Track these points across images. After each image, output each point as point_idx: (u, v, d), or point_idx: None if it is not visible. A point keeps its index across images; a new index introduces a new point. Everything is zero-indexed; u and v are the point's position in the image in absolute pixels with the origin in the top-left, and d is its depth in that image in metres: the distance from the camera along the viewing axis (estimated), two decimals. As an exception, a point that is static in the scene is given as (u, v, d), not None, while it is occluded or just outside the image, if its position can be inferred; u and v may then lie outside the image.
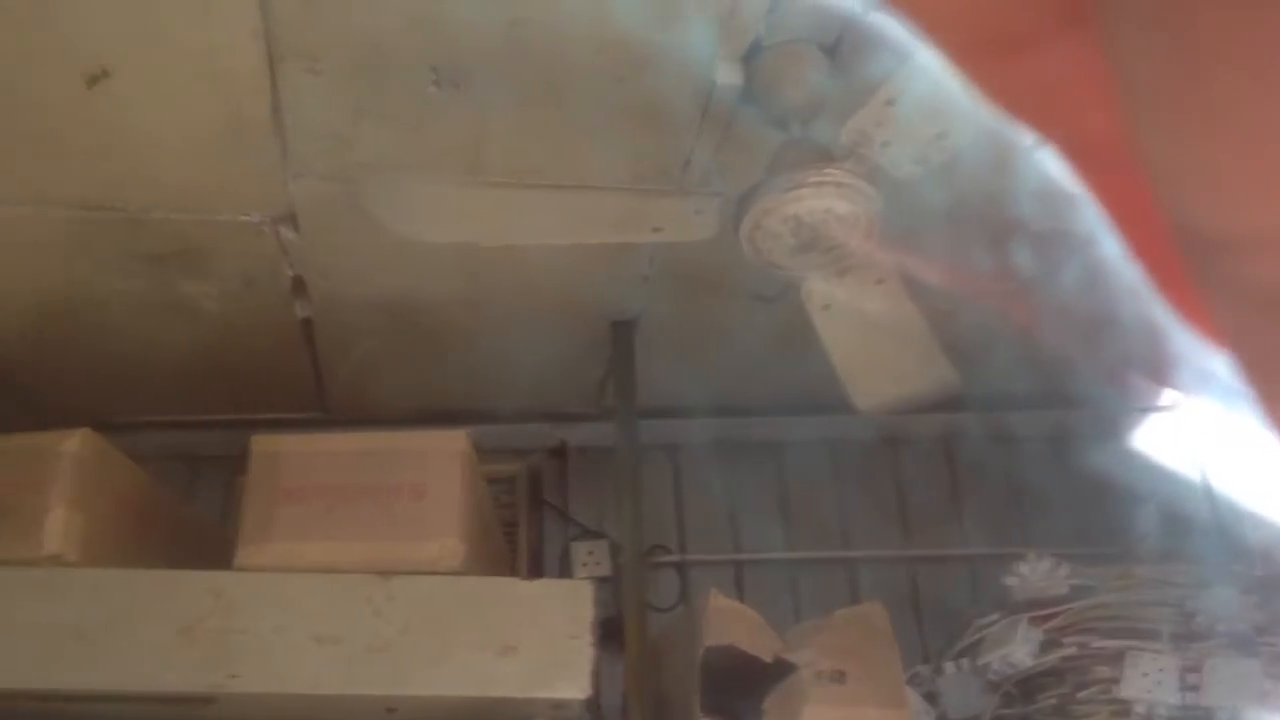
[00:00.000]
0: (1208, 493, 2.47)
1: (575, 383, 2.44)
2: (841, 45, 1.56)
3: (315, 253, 1.95)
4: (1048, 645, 2.05)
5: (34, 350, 2.18)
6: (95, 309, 2.09)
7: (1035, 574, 2.09)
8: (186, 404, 2.45)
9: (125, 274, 1.98)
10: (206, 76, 1.56)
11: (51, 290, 2.03)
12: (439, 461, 2.03)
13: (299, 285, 2.02)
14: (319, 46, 1.51)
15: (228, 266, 1.97)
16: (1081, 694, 2.03)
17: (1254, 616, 1.99)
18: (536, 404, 2.48)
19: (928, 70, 1.29)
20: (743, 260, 1.61)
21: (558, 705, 1.85)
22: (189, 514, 2.32)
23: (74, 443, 1.94)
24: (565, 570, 2.44)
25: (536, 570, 2.45)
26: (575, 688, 1.83)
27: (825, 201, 1.54)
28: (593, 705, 1.90)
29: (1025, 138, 1.22)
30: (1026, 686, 2.11)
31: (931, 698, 2.16)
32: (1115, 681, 1.99)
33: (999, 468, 2.46)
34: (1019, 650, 2.04)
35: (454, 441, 2.05)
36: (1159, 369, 2.18)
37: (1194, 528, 2.33)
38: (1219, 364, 0.18)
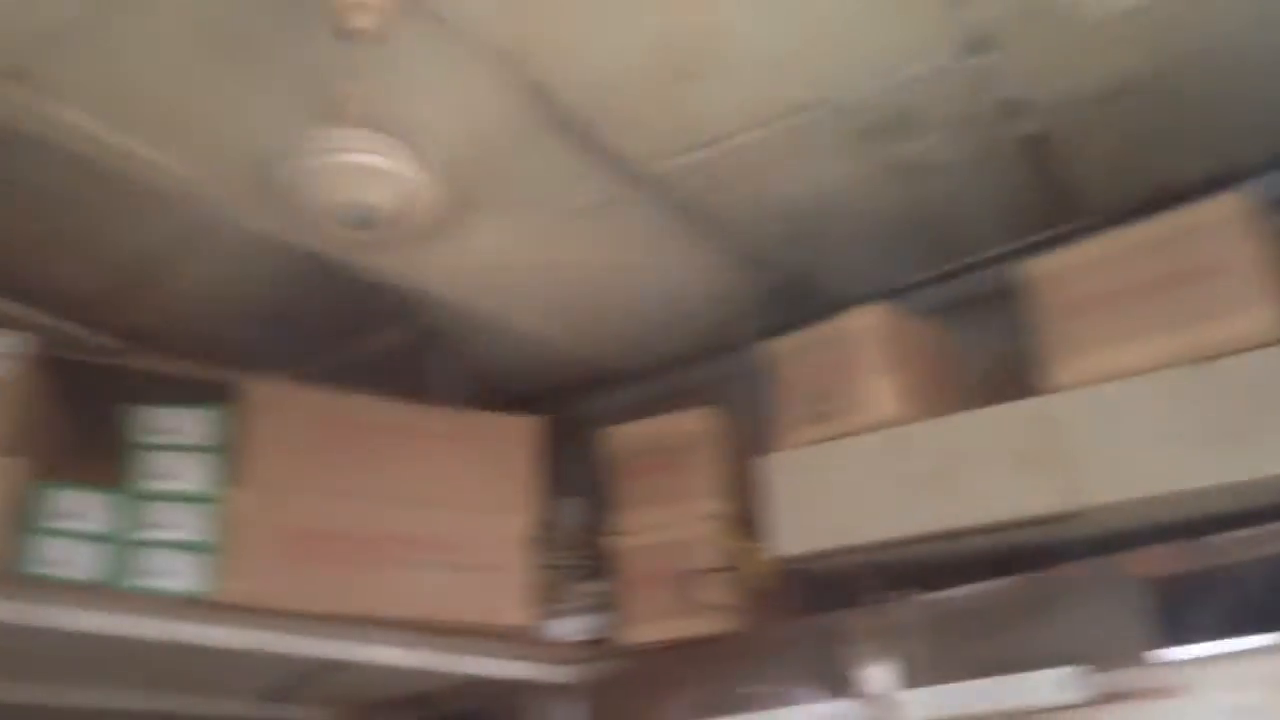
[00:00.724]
0: None
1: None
2: None
3: (1013, 68, 1.91)
4: None
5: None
6: (825, 199, 2.27)
7: None
8: (927, 259, 2.56)
9: (847, 157, 2.12)
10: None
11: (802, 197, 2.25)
12: (1219, 233, 1.89)
13: (1008, 107, 2.00)
14: None
15: (932, 116, 2.02)
16: None
17: None
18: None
19: None
20: None
21: None
22: (976, 349, 2.42)
23: (869, 318, 2.14)
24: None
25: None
26: None
27: None
28: None
29: None
30: None
31: None
32: None
33: None
34: None
35: (1230, 207, 1.89)
36: None
37: None
38: None
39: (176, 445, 2.13)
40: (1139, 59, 1.91)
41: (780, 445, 2.25)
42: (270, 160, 1.88)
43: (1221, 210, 1.91)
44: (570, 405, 2.99)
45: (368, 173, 1.80)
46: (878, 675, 2.01)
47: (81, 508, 2.00)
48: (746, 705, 2.16)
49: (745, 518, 2.36)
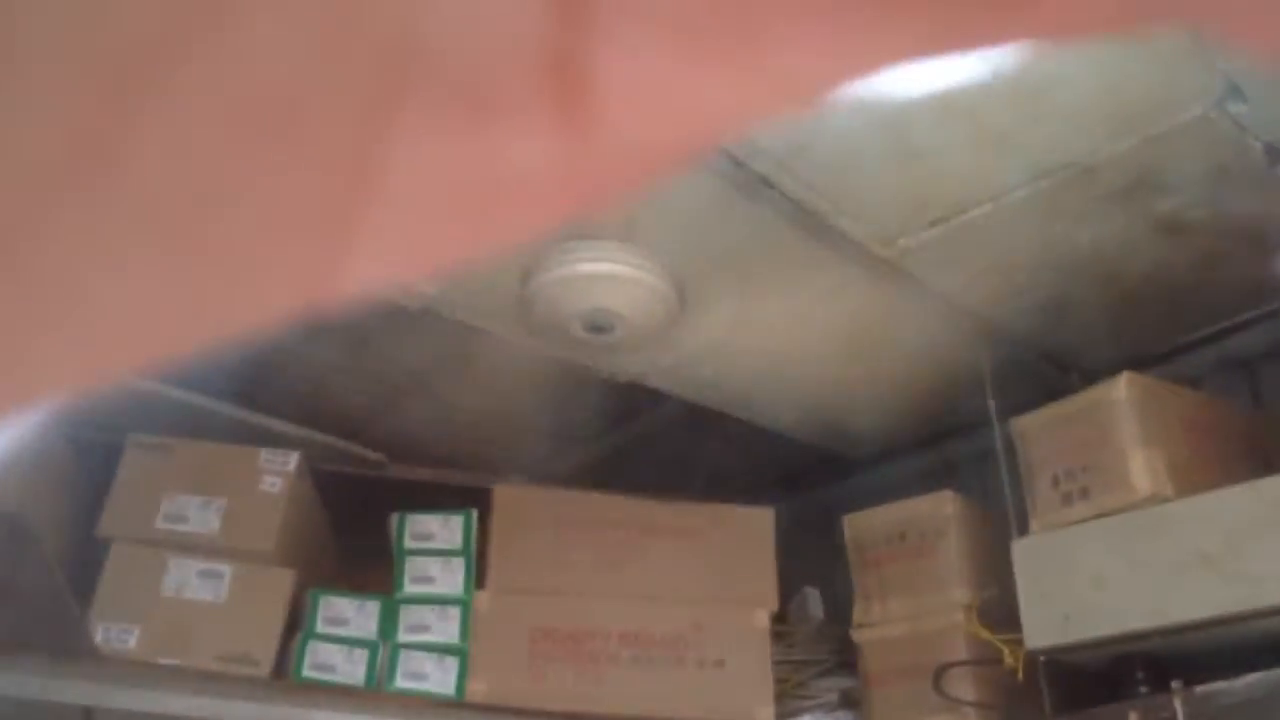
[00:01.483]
0: None
1: None
2: None
3: (1271, 110, 1.77)
4: None
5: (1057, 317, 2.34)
6: (1070, 265, 2.16)
7: None
8: (1189, 317, 2.39)
9: (1096, 219, 2.02)
10: None
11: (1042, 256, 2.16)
12: None
13: (1272, 151, 1.85)
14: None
15: (1190, 169, 1.89)
16: None
17: None
18: None
19: None
20: None
21: None
22: (1240, 416, 2.23)
23: (1124, 388, 2.01)
24: None
25: None
26: None
27: None
28: None
29: None
30: None
31: None
32: None
33: None
34: None
35: None
36: None
37: None
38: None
39: (431, 550, 2.25)
40: None
41: (1031, 528, 2.13)
42: (517, 276, 1.99)
43: None
44: (809, 493, 2.95)
45: (606, 280, 1.88)
46: (1154, 778, 1.84)
47: (347, 613, 2.14)
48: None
49: (996, 607, 2.24)
